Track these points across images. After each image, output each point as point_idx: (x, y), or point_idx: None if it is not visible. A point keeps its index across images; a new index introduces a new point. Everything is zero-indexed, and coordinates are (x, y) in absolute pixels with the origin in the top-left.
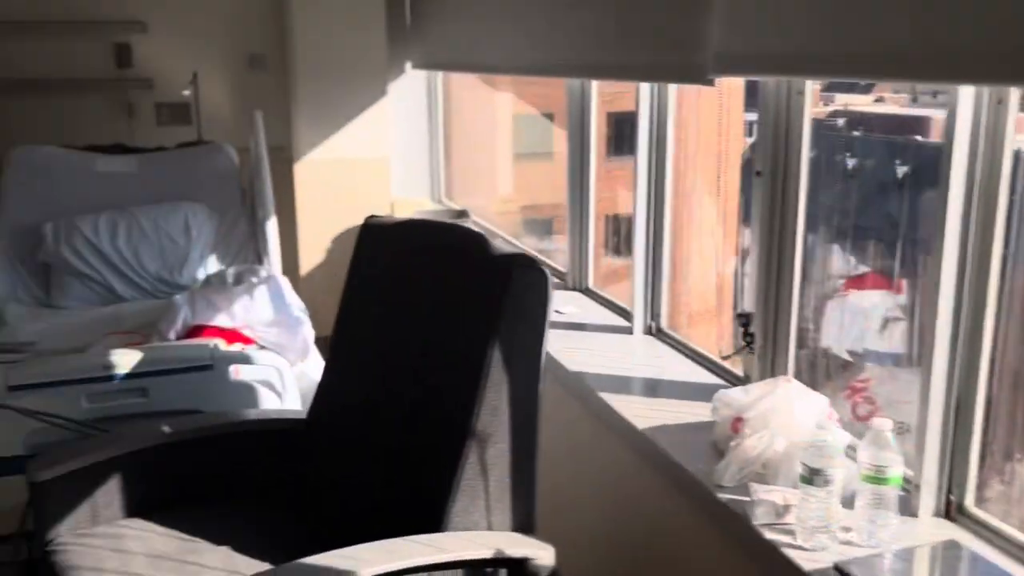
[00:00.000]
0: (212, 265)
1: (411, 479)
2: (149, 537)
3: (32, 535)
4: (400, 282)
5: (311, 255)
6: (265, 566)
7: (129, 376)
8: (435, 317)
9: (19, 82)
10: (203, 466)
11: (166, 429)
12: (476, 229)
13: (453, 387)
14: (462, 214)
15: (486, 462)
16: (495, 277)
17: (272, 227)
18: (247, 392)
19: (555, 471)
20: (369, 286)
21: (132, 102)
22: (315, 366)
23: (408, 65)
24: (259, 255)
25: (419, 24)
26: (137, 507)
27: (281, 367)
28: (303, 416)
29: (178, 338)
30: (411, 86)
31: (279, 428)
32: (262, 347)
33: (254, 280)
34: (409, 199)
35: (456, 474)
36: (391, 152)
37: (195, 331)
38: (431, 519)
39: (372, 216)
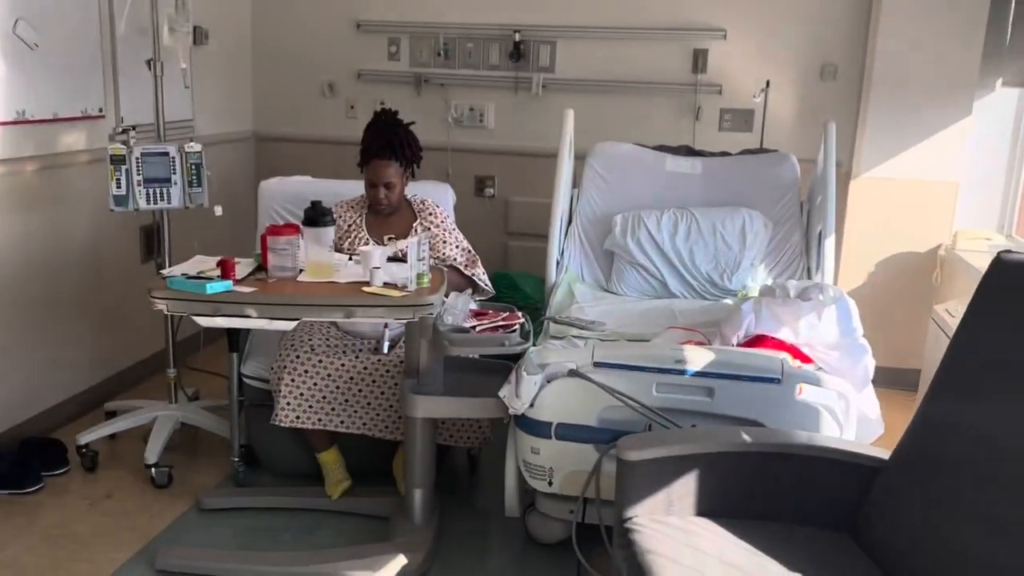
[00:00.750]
0: (760, 275)
1: None
2: (721, 542)
3: (589, 501)
4: None
5: (852, 276)
6: None
7: (699, 374)
8: None
9: (605, 83)
10: (771, 481)
11: (747, 438)
12: None
13: None
14: None
15: None
16: None
17: (831, 245)
18: (809, 414)
19: None
20: (1001, 341)
21: (700, 106)
22: (869, 401)
23: (999, 83)
24: (809, 271)
25: (1021, 37)
26: (706, 507)
27: (847, 395)
28: (882, 454)
29: (739, 345)
30: (997, 106)
31: (857, 461)
32: (820, 369)
33: (821, 298)
34: (975, 231)
35: None
36: (961, 177)
37: (756, 340)
38: None
39: (1006, 252)
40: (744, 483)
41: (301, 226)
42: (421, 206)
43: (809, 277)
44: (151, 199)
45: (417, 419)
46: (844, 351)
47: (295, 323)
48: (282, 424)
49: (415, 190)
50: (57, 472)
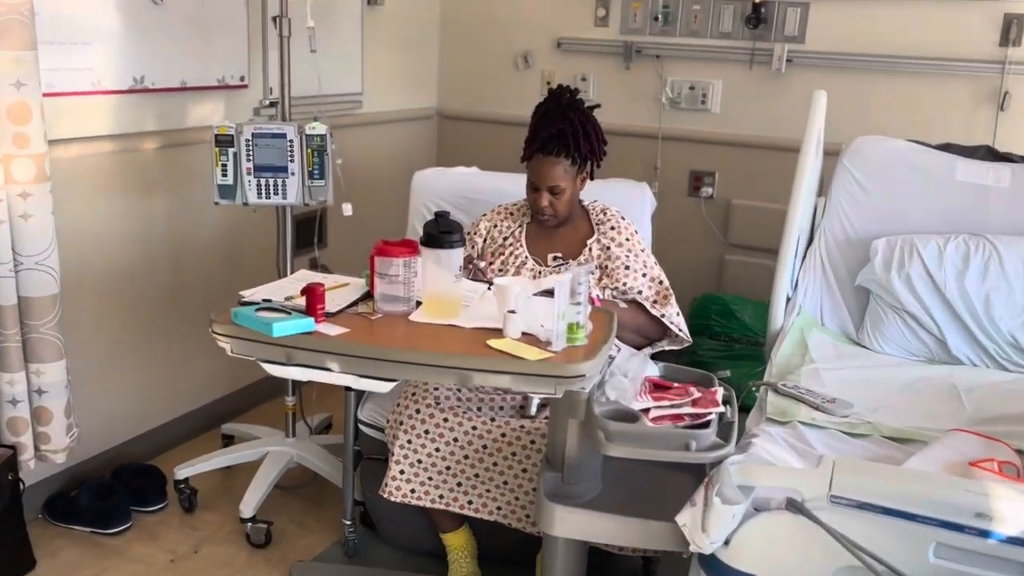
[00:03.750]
0: None
1: None
2: None
3: None
4: None
5: None
6: None
7: (1014, 541)
8: None
9: (871, 59)
10: None
11: None
12: None
13: None
14: None
15: None
16: None
17: None
18: None
19: None
20: None
21: (1007, 91)
22: None
23: None
24: None
25: None
26: None
27: None
28: None
29: None
30: None
31: None
32: None
33: None
34: None
35: None
36: None
37: None
38: None
39: None
40: None
41: (419, 246)
42: (602, 216)
43: None
44: (262, 191)
45: (556, 537)
46: None
47: (392, 383)
48: (392, 498)
49: (599, 191)
50: (151, 508)
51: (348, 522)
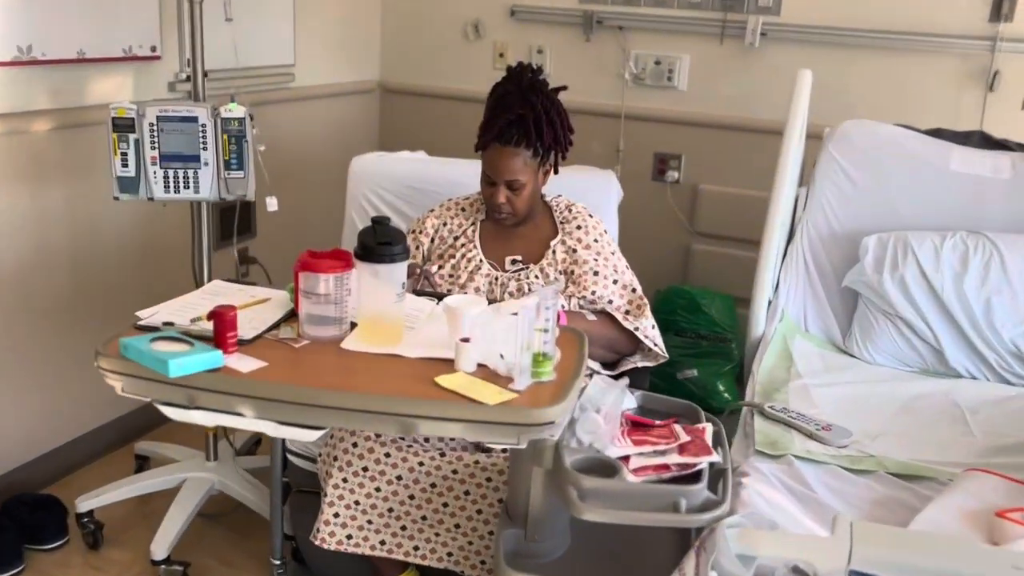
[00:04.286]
0: None
1: None
2: None
3: None
4: None
5: None
6: None
7: None
8: None
9: (853, 34)
10: None
11: None
12: None
13: None
14: None
15: None
16: None
17: None
18: None
19: None
20: None
21: (997, 70)
22: None
23: None
24: None
25: None
26: None
27: None
28: None
29: None
30: None
31: None
32: None
33: None
34: None
35: None
36: None
37: None
38: None
39: None
40: None
41: (354, 258)
42: (566, 213)
43: None
44: (171, 185)
45: None
46: None
47: (319, 432)
48: (325, 546)
49: (559, 181)
50: (48, 547)
51: (277, 562)
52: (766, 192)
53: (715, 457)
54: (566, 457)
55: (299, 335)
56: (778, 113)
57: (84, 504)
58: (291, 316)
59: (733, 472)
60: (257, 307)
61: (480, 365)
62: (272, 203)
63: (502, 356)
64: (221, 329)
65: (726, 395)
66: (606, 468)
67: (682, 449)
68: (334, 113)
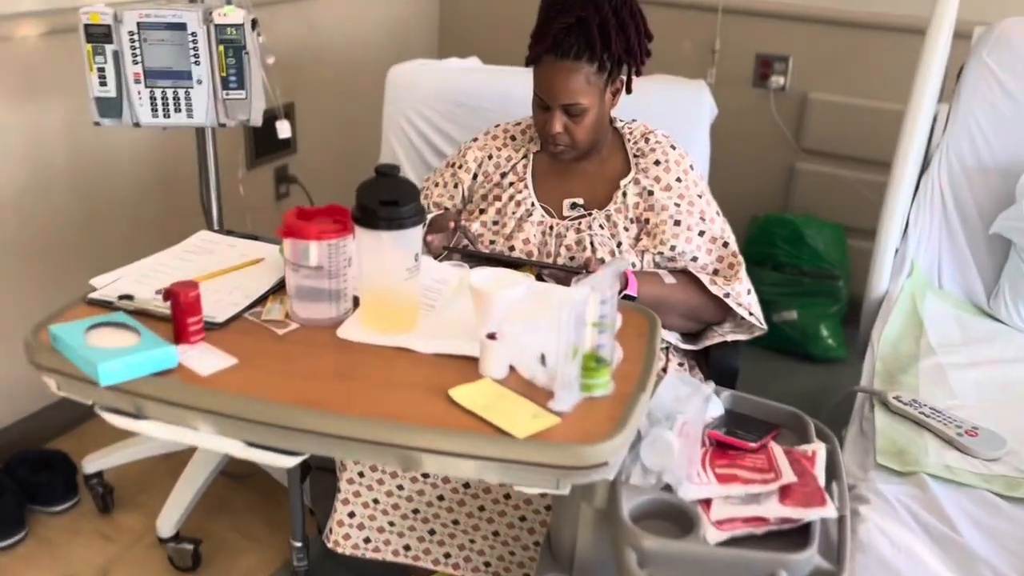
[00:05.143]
0: None
1: None
2: None
3: None
4: None
5: None
6: None
7: None
8: None
9: None
10: None
11: None
12: None
13: None
14: None
15: None
16: None
17: None
18: None
19: None
20: None
21: None
22: None
23: None
24: None
25: None
26: None
27: None
28: None
29: None
30: None
31: None
32: None
33: None
34: None
35: None
36: None
37: None
38: None
39: None
40: None
41: (352, 224)
42: (642, 144)
43: None
44: (158, 108)
45: None
46: None
47: (299, 458)
48: (339, 549)
49: (638, 99)
50: (55, 509)
51: (298, 544)
52: (888, 103)
53: (830, 511)
54: (624, 499)
55: (287, 316)
56: (906, 5)
57: (91, 465)
58: (283, 287)
59: (849, 491)
60: (246, 271)
61: (513, 370)
62: (284, 128)
63: (543, 359)
64: (179, 315)
65: (830, 341)
66: (679, 516)
67: (785, 493)
68: (384, 7)
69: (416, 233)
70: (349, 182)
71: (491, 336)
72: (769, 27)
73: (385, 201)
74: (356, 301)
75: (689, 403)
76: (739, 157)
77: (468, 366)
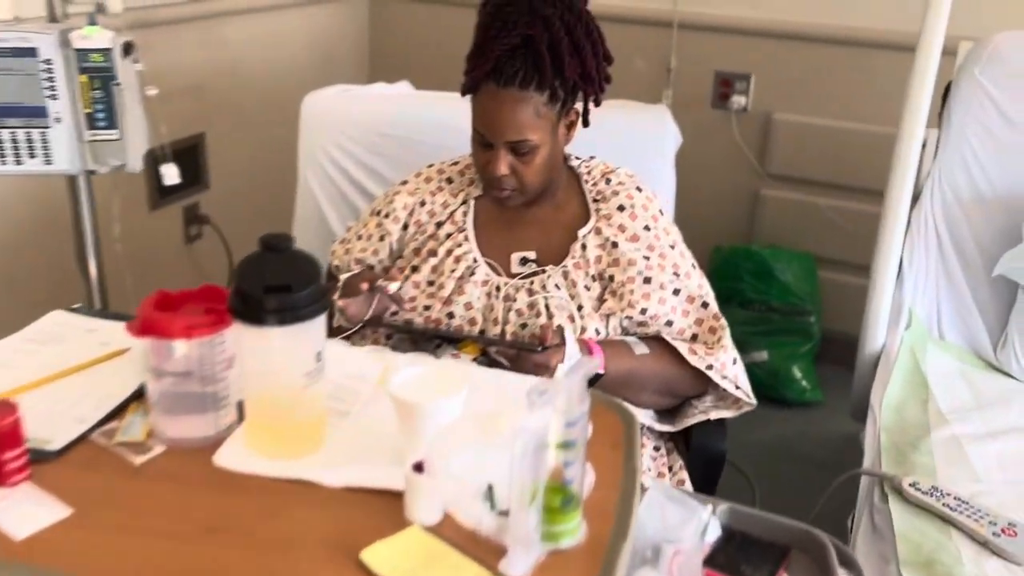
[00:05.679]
0: None
1: None
2: None
3: None
4: None
5: None
6: None
7: None
8: None
9: None
10: None
11: None
12: None
13: None
14: None
15: None
16: None
17: None
18: None
19: None
20: None
21: None
22: None
23: None
24: None
25: None
26: None
27: None
28: None
29: None
30: None
31: None
32: None
33: None
34: None
35: None
36: None
37: None
38: None
39: None
40: None
41: (232, 315)
42: (603, 186)
43: None
44: (7, 154)
45: None
46: None
47: None
48: None
49: (594, 129)
50: None
51: None
52: (860, 123)
53: None
54: None
55: (149, 435)
56: (882, 19)
57: None
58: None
59: None
60: (104, 366)
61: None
62: (171, 173)
63: (490, 492)
64: None
65: (804, 383)
66: None
67: None
68: (309, 25)
69: (317, 326)
70: (270, 221)
71: (418, 468)
72: (728, 43)
73: (272, 287)
74: (242, 407)
75: (684, 527)
76: (699, 184)
77: (390, 505)
